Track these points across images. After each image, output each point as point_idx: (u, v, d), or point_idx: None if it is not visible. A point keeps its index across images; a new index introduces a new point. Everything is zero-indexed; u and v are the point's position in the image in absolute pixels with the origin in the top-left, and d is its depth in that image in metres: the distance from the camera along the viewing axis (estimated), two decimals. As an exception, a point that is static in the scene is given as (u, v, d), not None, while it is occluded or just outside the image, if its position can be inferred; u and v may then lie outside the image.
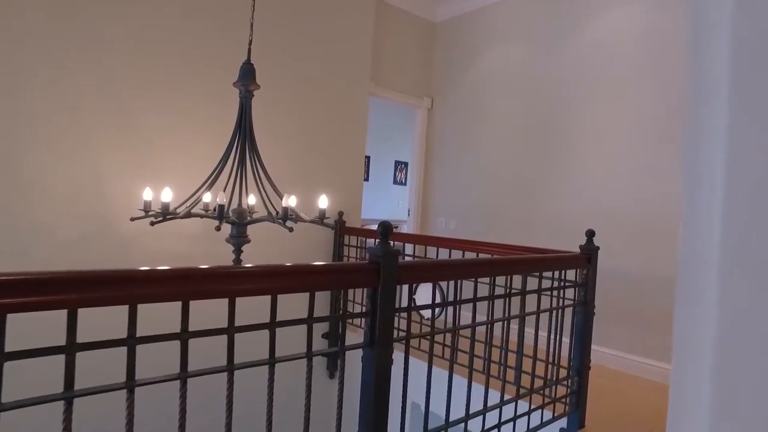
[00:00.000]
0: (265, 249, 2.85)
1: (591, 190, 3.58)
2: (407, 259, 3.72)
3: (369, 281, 1.34)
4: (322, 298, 3.70)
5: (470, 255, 2.96)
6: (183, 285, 0.98)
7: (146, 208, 2.09)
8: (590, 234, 2.37)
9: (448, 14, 4.82)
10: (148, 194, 2.10)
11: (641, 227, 3.29)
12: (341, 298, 3.71)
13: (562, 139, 3.78)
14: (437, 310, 2.94)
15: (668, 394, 0.56)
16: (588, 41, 3.67)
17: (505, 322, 1.95)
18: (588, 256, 2.34)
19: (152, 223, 1.97)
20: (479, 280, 1.79)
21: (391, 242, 1.41)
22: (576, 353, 2.33)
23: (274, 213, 2.23)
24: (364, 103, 4.17)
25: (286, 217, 2.10)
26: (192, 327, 1.05)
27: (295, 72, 3.69)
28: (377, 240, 1.40)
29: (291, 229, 2.06)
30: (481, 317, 1.83)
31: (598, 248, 2.37)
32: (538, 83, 3.97)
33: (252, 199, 2.55)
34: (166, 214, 1.99)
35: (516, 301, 1.98)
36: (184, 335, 1.03)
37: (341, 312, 3.62)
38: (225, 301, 1.09)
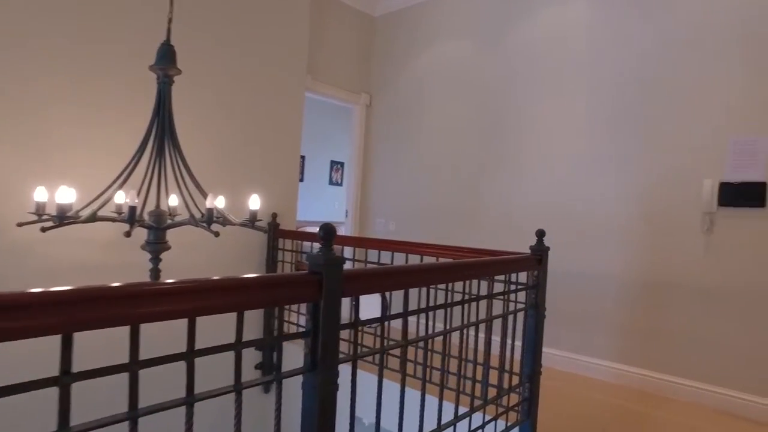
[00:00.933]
0: (188, 256, 2.55)
1: (537, 188, 3.55)
2: (347, 265, 3.52)
3: (309, 295, 1.13)
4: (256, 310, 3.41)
5: (414, 258, 2.81)
6: (58, 314, 0.73)
7: (39, 210, 1.76)
8: (540, 234, 2.28)
9: (387, 8, 4.67)
10: (40, 194, 1.76)
11: (587, 227, 3.29)
12: (277, 313, 3.45)
13: (506, 138, 3.73)
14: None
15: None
16: (532, 37, 3.65)
17: (459, 330, 1.80)
18: (539, 257, 2.25)
19: (43, 230, 1.64)
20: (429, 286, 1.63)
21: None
22: (528, 359, 2.23)
23: (197, 215, 1.96)
24: (300, 98, 3.92)
25: (211, 219, 1.84)
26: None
27: (224, 60, 3.38)
28: (314, 245, 1.19)
29: (217, 234, 1.80)
30: (429, 323, 1.67)
31: (548, 249, 2.28)
32: (482, 80, 3.91)
33: (173, 200, 2.26)
34: (63, 217, 1.67)
35: (465, 306, 1.84)
36: (65, 379, 0.77)
37: (276, 332, 3.35)
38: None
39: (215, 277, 0.98)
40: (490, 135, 3.80)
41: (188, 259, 2.67)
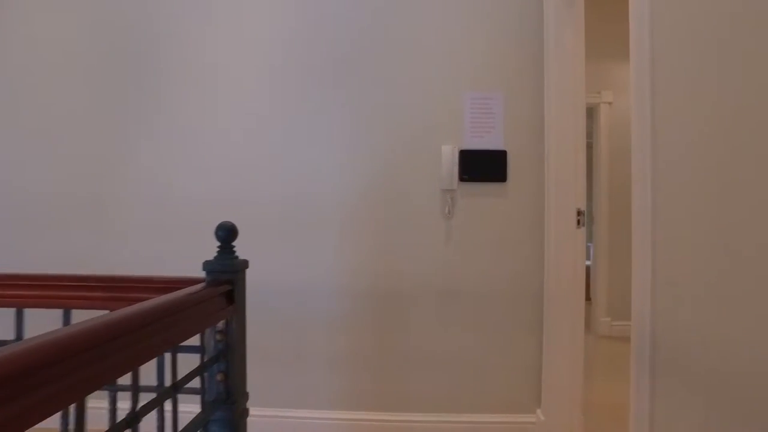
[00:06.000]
0: None
1: (210, 168, 2.25)
2: None
3: None
4: None
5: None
6: None
7: None
8: (227, 234, 1.05)
9: None
10: None
11: (292, 223, 2.19)
12: None
13: (156, 90, 2.28)
14: None
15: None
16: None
17: None
18: (228, 287, 1.02)
19: None
20: None
21: None
22: None
23: None
24: None
25: None
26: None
27: None
28: None
29: None
30: None
31: (246, 264, 1.08)
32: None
33: None
34: None
35: None
36: None
37: None
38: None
39: None
40: (129, 86, 2.29)
41: None
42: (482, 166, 2.12)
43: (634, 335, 1.25)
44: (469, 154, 2.12)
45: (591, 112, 4.16)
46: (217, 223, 1.07)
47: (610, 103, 4.13)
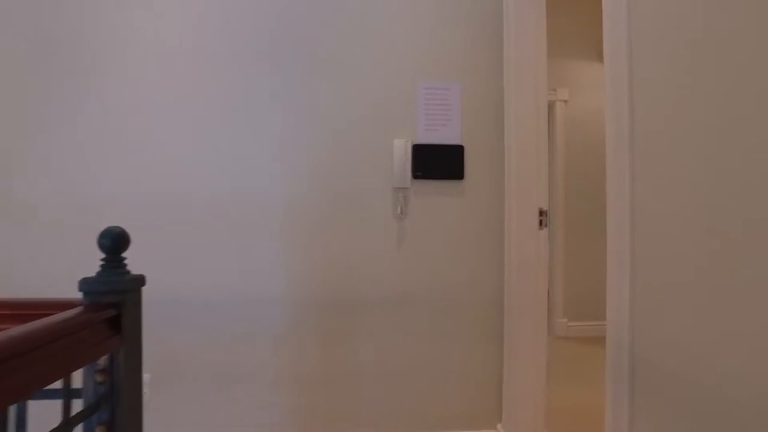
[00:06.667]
0: None
1: (131, 165, 1.97)
2: None
3: None
4: None
5: None
6: None
7: None
8: (114, 243, 0.82)
9: None
10: None
11: (224, 225, 1.95)
12: None
13: (73, 82, 1.98)
14: None
15: None
16: None
17: None
18: (113, 312, 0.79)
19: None
20: None
21: None
22: None
23: None
24: None
25: None
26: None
27: None
28: None
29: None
30: None
31: (142, 281, 0.85)
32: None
33: None
34: None
35: None
36: None
37: None
38: None
39: None
40: (36, 66, 1.99)
41: None
42: (437, 162, 1.95)
43: (610, 345, 1.10)
44: (423, 148, 1.95)
45: (547, 110, 4.09)
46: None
47: (565, 101, 4.08)
